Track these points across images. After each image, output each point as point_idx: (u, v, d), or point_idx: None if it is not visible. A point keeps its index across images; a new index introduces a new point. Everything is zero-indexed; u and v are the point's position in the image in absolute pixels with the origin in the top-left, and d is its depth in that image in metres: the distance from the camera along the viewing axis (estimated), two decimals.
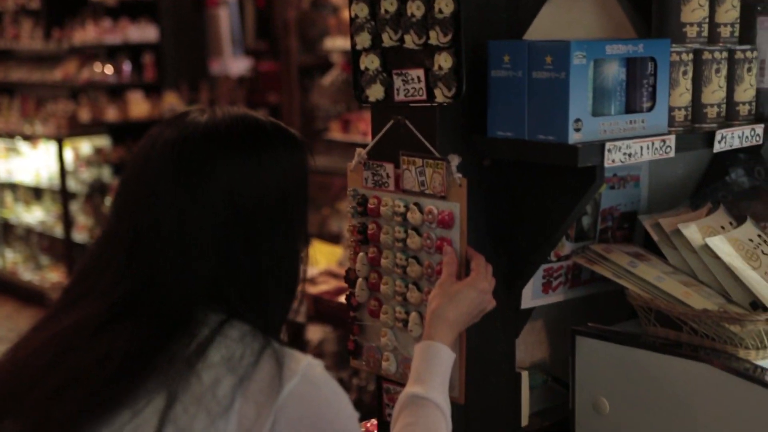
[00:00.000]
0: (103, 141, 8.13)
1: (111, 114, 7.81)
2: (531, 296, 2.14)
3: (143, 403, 1.34)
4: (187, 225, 1.40)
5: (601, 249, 2.17)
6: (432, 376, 1.70)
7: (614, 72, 1.84)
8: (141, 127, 8.62)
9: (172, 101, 7.56)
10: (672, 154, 1.90)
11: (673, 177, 2.44)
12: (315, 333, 4.91)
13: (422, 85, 1.90)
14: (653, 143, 1.87)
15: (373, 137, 2.03)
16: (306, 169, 1.51)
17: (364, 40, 1.99)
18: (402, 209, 1.96)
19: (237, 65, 8.50)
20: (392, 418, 1.67)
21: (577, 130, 1.77)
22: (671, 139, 1.90)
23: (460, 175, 1.87)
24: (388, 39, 1.94)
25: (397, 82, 1.95)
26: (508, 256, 2.01)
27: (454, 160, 1.88)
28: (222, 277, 1.41)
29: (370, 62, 1.98)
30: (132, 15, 8.08)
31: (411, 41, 1.90)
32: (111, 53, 8.13)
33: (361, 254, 2.07)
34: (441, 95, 1.87)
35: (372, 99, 2.00)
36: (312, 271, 4.73)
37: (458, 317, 1.78)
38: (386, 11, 1.94)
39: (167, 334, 1.38)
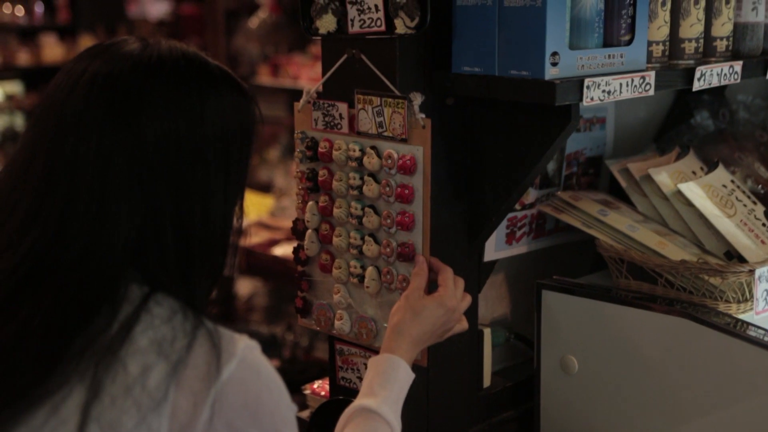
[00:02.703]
0: (15, 87, 7.73)
1: (23, 58, 7.42)
2: (494, 248, 1.98)
3: (60, 398, 1.15)
4: (112, 167, 1.19)
5: (568, 197, 2.02)
6: (386, 391, 1.52)
7: (592, 0, 1.67)
8: (55, 73, 8.25)
9: (87, 45, 7.19)
10: (652, 92, 1.75)
11: (636, 120, 2.30)
12: (245, 287, 4.73)
13: (380, 14, 1.71)
14: (632, 80, 1.71)
15: (323, 74, 1.84)
16: (252, 123, 1.32)
17: None
18: (357, 153, 1.78)
19: (156, 7, 8.15)
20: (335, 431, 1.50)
21: (554, 64, 1.60)
22: (651, 76, 1.74)
23: (423, 116, 1.70)
24: None
25: (352, 11, 1.76)
26: (472, 205, 1.85)
27: (417, 99, 1.70)
28: (145, 236, 1.21)
29: None
30: None
31: None
32: None
33: (310, 203, 1.89)
34: (402, 26, 1.68)
35: (323, 31, 1.80)
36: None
37: (421, 335, 1.61)
38: None
39: (86, 310, 1.17)
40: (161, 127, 1.21)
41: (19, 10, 7.70)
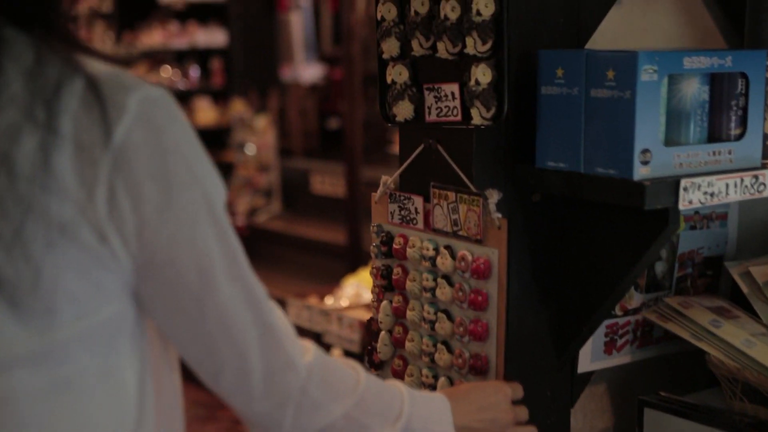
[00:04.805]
0: None
1: None
2: (590, 358, 1.78)
3: None
4: None
5: (677, 303, 1.80)
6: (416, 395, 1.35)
7: (694, 91, 1.48)
8: (208, 135, 8.39)
9: (239, 108, 7.32)
10: (766, 193, 1.53)
11: (764, 215, 2.05)
12: None
13: (457, 102, 1.56)
14: (743, 180, 1.50)
15: (400, 164, 1.70)
16: None
17: (391, 47, 1.66)
18: (431, 252, 1.63)
19: (309, 72, 8.24)
20: None
21: (645, 163, 1.41)
22: (765, 175, 1.52)
23: (499, 215, 1.53)
24: (418, 46, 1.61)
25: (429, 98, 1.62)
26: (561, 313, 1.66)
27: (493, 197, 1.53)
28: None
29: (398, 74, 1.65)
30: (201, 19, 7.87)
31: (444, 49, 1.56)
32: (180, 58, 7.94)
33: (384, 303, 1.74)
34: (478, 116, 1.53)
35: (400, 119, 1.67)
36: (368, 296, 4.41)
37: (466, 407, 1.43)
38: (416, 13, 1.60)
39: None
40: None
41: (177, 75, 7.93)
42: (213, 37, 7.80)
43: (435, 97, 1.60)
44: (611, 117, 1.43)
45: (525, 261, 1.60)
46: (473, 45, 1.50)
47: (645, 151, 1.41)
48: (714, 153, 1.49)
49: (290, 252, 6.55)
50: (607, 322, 1.77)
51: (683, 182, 1.42)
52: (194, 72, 7.94)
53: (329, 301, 4.51)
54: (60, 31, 0.99)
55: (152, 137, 0.96)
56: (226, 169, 7.49)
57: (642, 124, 1.40)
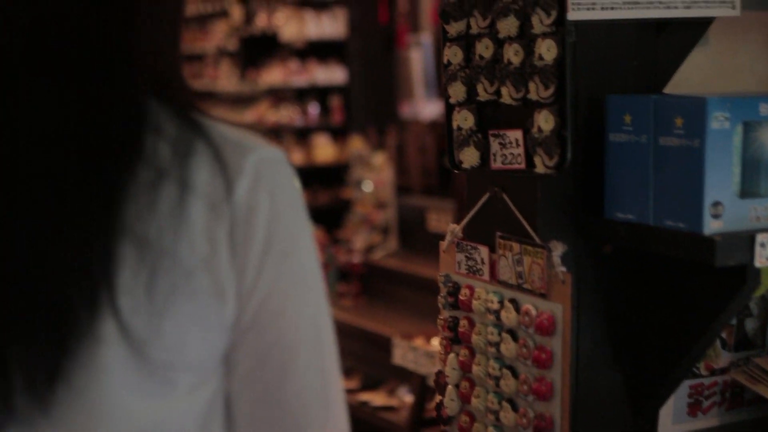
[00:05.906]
0: None
1: (296, 157, 7.71)
2: (671, 419, 1.67)
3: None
4: None
5: (767, 363, 1.67)
6: None
7: None
8: (327, 172, 8.35)
9: (358, 145, 7.34)
10: None
11: None
12: None
13: (520, 150, 1.50)
14: None
15: (467, 212, 1.64)
16: None
17: (458, 92, 1.60)
18: (496, 305, 1.56)
19: (429, 109, 8.21)
20: None
21: (716, 216, 1.31)
22: None
23: (563, 269, 1.45)
24: (483, 91, 1.55)
25: (494, 145, 1.55)
26: (637, 371, 1.56)
27: (557, 249, 1.46)
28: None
29: (464, 120, 1.60)
30: (320, 57, 7.96)
31: (508, 95, 1.50)
32: (300, 95, 8.04)
33: (451, 356, 1.68)
34: (541, 164, 1.46)
35: (466, 165, 1.61)
36: None
37: None
38: (481, 57, 1.55)
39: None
40: None
41: (296, 112, 8.03)
42: (332, 74, 7.88)
43: (500, 143, 1.54)
44: (680, 167, 1.34)
45: (596, 316, 1.52)
46: (536, 90, 1.44)
47: (716, 203, 1.31)
48: None
49: (405, 290, 6.49)
50: (691, 382, 1.66)
51: (759, 237, 1.32)
52: (313, 109, 8.02)
53: (435, 341, 4.44)
54: (188, 101, 1.05)
55: (263, 199, 1.00)
56: (343, 206, 7.52)
57: (712, 174, 1.31)
